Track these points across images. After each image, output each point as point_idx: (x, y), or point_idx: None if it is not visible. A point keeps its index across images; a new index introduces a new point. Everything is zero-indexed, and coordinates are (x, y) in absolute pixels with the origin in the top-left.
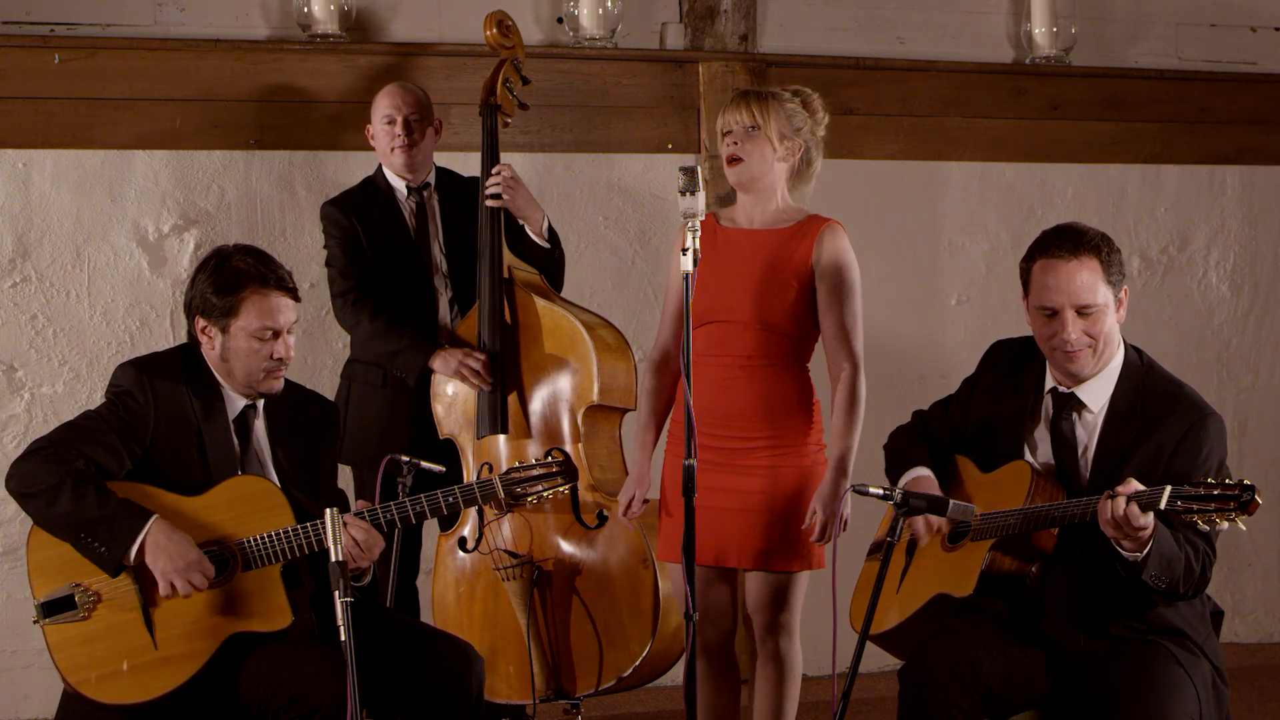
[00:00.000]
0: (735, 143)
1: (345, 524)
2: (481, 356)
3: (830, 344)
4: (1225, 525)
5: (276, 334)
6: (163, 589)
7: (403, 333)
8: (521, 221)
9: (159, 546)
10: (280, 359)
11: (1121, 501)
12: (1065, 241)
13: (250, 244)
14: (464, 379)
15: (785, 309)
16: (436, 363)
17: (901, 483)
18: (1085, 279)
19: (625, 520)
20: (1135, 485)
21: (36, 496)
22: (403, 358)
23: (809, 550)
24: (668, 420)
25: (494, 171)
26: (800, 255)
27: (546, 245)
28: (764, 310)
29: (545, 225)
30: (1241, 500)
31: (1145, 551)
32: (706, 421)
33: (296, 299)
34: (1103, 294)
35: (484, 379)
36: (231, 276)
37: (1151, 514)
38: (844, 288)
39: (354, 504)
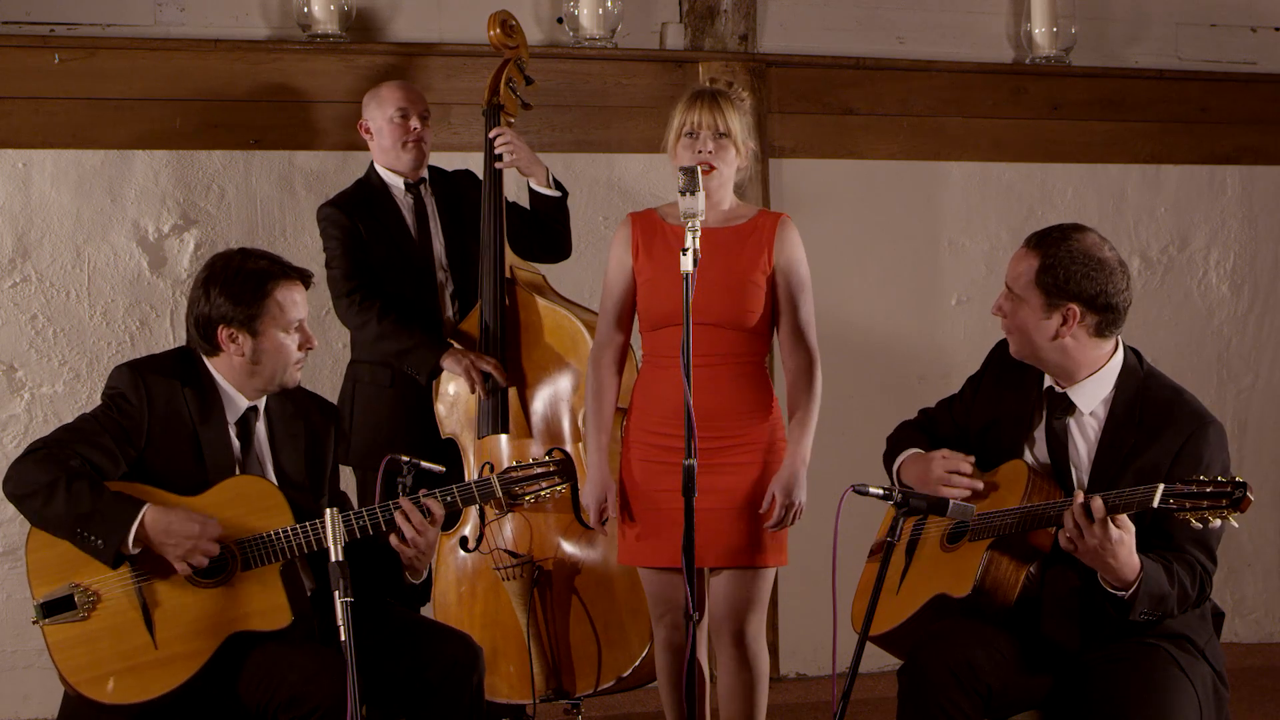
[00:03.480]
0: (710, 150)
1: (417, 506)
2: (493, 360)
3: (789, 338)
4: (1218, 523)
5: (301, 324)
6: (180, 568)
7: (412, 331)
8: (527, 176)
9: (158, 527)
10: (309, 348)
11: (1082, 500)
12: (1035, 235)
13: (246, 245)
14: (471, 381)
15: (754, 308)
16: (447, 361)
17: (897, 462)
18: (1020, 266)
19: (601, 529)
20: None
21: (32, 497)
22: (415, 356)
23: (781, 546)
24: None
25: (493, 136)
26: (762, 252)
27: (558, 193)
28: (733, 311)
29: (550, 177)
30: (1234, 497)
31: (1132, 591)
32: (676, 422)
33: (309, 285)
34: (1024, 287)
35: (497, 381)
36: (253, 278)
37: (1128, 537)
38: (804, 283)
39: (356, 505)
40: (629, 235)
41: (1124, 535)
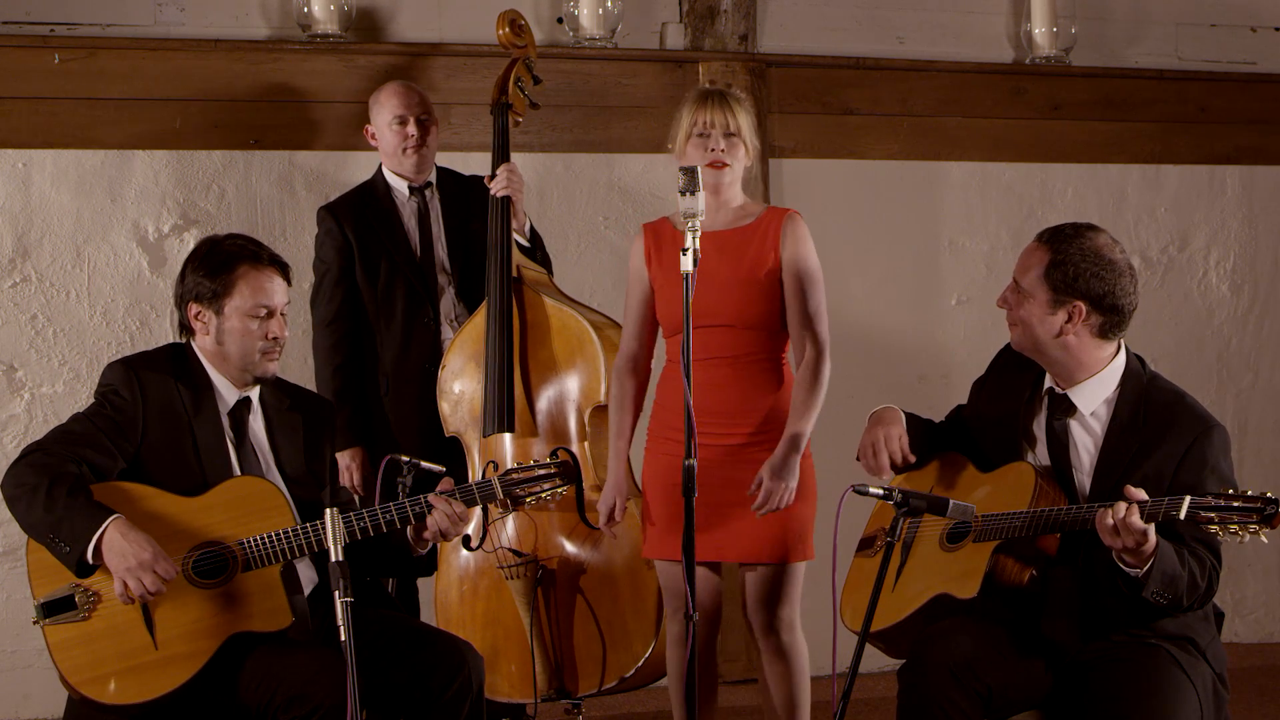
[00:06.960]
0: (722, 149)
1: (442, 501)
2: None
3: (796, 328)
4: (1246, 538)
5: (270, 313)
6: (116, 588)
7: (341, 409)
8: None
9: (112, 545)
10: (275, 338)
11: (1122, 506)
12: (1048, 230)
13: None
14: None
15: (766, 307)
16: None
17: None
18: (1029, 260)
19: (608, 529)
20: (1142, 494)
21: (18, 501)
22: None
23: (806, 542)
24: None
25: (494, 175)
26: (768, 251)
27: (525, 243)
28: (744, 311)
29: (527, 226)
30: (1265, 514)
31: (1147, 568)
32: (698, 420)
33: (288, 280)
34: (1033, 282)
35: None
36: (223, 256)
37: (1153, 526)
38: (811, 275)
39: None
40: (642, 246)
41: (1150, 529)
